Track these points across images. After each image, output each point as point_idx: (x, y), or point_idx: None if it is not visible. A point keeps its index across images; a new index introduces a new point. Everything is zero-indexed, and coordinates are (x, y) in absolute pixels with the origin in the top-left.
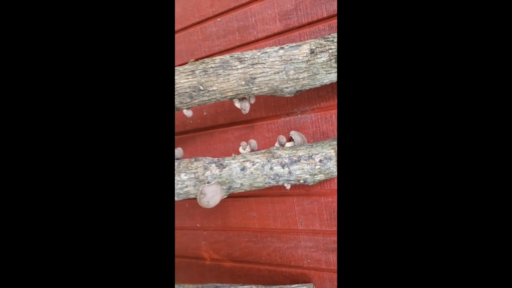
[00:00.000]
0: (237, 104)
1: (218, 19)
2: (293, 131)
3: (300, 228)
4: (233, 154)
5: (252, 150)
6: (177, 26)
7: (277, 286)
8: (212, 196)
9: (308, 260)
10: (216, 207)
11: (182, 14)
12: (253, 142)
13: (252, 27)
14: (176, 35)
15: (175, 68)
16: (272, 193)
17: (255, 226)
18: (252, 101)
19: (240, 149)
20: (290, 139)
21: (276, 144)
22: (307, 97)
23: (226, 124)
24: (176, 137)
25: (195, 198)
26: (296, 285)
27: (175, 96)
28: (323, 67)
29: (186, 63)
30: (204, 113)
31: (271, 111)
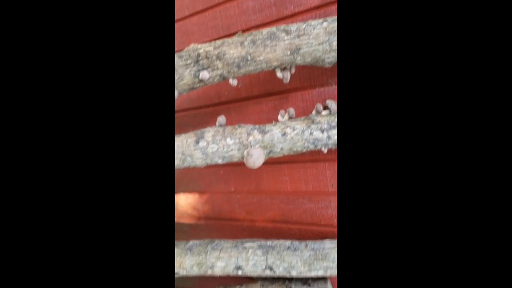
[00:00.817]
0: (279, 74)
1: None
2: (329, 100)
3: (331, 190)
4: (273, 121)
5: (290, 118)
6: (212, 1)
7: (307, 241)
8: (257, 158)
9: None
10: (250, 172)
11: None
12: (291, 110)
13: (289, 1)
14: (212, 10)
15: (224, 40)
16: (304, 159)
17: (287, 189)
18: (293, 71)
19: (279, 117)
20: (325, 108)
21: (314, 112)
22: None
23: (261, 95)
24: (210, 108)
25: (232, 163)
26: (326, 239)
27: (224, 66)
28: None
29: (221, 37)
30: (239, 85)
31: (306, 82)
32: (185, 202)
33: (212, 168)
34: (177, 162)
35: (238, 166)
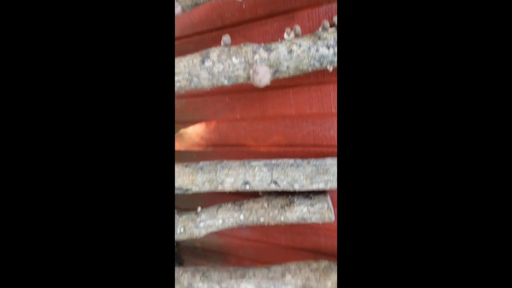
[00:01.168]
0: None
1: None
2: (336, 17)
3: (334, 112)
4: (279, 39)
5: (296, 36)
6: None
7: (310, 159)
8: (263, 76)
9: None
10: (255, 98)
11: None
12: (297, 28)
13: None
14: None
15: None
16: (309, 81)
17: (291, 113)
18: None
19: (285, 36)
20: (332, 25)
21: (320, 29)
22: None
23: (266, 15)
24: (214, 33)
25: (237, 90)
26: (328, 157)
27: None
28: None
29: None
30: (243, 6)
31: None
32: (192, 132)
33: (217, 96)
34: (184, 82)
35: (243, 93)
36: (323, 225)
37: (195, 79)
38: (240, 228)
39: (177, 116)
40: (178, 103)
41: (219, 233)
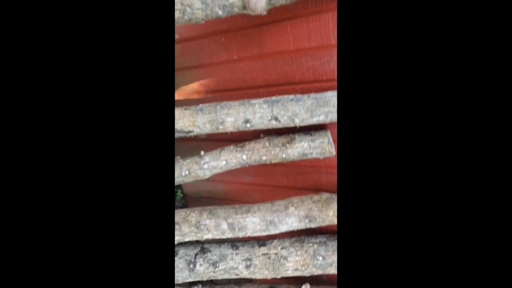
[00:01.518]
0: None
1: None
2: None
3: (334, 43)
4: None
5: None
6: None
7: (310, 93)
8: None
9: None
10: (252, 36)
11: None
12: None
13: None
14: None
15: None
16: (307, 12)
17: (290, 48)
18: None
19: None
20: None
21: None
22: None
23: None
24: None
25: (234, 27)
26: (328, 91)
27: None
28: None
29: None
30: None
31: None
32: (190, 78)
33: (213, 36)
34: (177, 14)
35: (239, 31)
36: (324, 162)
37: (188, 10)
38: (244, 173)
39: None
40: (175, 48)
41: (224, 181)
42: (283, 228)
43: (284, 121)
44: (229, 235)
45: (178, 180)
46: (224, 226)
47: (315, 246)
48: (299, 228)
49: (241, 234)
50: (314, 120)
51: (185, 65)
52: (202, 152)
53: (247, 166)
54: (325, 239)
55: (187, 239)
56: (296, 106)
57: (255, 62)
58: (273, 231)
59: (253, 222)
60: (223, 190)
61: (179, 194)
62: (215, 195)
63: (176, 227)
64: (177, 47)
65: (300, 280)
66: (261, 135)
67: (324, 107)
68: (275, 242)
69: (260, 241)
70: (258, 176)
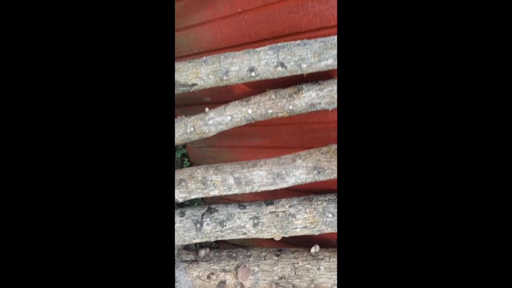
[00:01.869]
0: None
1: None
2: None
3: None
4: None
5: None
6: None
7: (317, 38)
8: None
9: None
10: None
11: None
12: None
13: None
14: None
15: None
16: None
17: None
18: None
19: None
20: None
21: None
22: None
23: None
24: None
25: None
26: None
27: None
28: None
29: None
30: None
31: None
32: (193, 38)
33: None
34: None
35: None
36: (333, 117)
37: None
38: (250, 136)
39: (177, 24)
40: (176, 7)
41: (230, 146)
42: (291, 181)
43: (291, 67)
44: (235, 190)
45: (183, 137)
46: (231, 180)
47: (324, 203)
48: (307, 180)
49: (247, 189)
50: (322, 65)
51: (188, 24)
52: (207, 109)
53: (253, 121)
54: (335, 196)
55: (193, 196)
56: (303, 50)
57: (260, 13)
58: (281, 184)
59: (259, 176)
60: (229, 156)
61: (186, 162)
62: (221, 161)
63: (182, 184)
64: (180, 5)
65: (309, 243)
66: (267, 90)
67: (332, 49)
68: (283, 200)
69: (268, 200)
70: (265, 138)
